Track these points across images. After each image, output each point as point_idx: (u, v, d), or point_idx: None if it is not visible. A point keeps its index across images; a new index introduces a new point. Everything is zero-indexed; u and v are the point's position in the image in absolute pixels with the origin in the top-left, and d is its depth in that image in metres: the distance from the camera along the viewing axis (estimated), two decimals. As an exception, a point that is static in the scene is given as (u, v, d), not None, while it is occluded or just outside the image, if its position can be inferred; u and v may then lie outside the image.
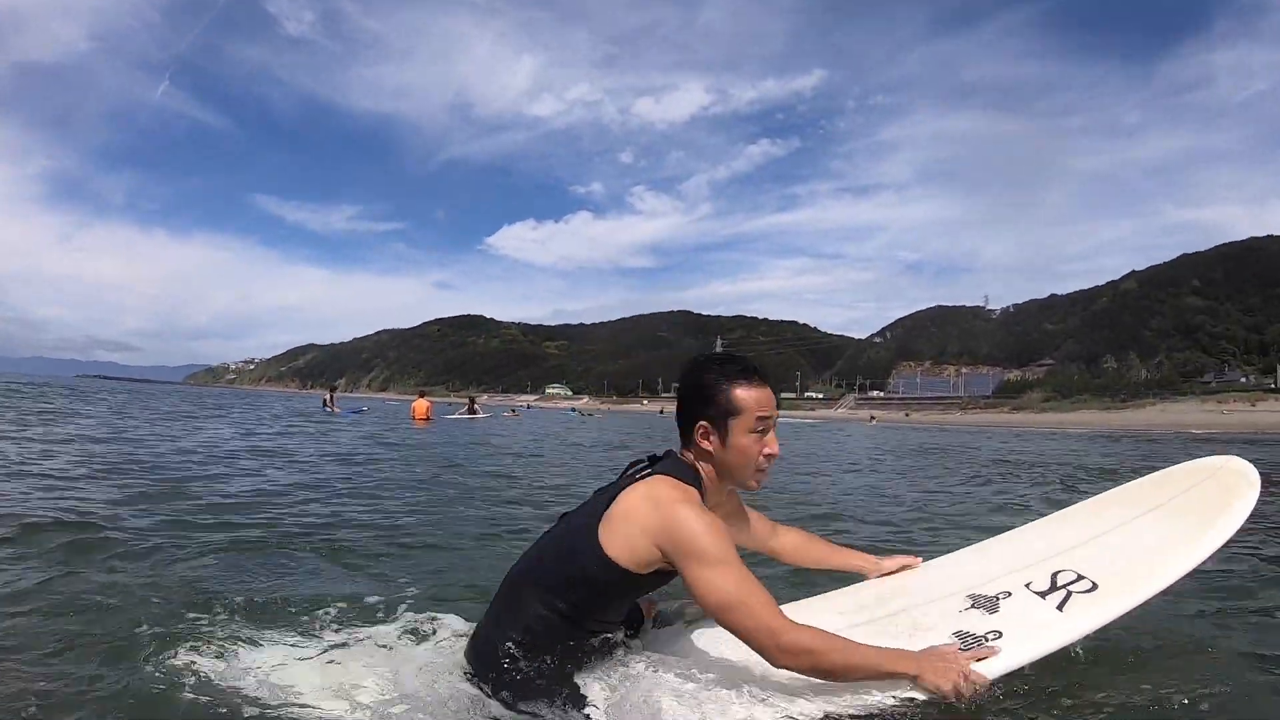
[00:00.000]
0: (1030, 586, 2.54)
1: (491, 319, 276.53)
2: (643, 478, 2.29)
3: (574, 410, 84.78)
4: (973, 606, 2.50)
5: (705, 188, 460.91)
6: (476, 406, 33.86)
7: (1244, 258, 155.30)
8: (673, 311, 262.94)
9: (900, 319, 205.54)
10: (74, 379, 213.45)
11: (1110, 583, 2.43)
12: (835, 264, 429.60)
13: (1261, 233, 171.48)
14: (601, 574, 2.17)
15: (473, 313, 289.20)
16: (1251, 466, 2.75)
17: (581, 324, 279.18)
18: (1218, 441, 27.98)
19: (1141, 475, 3.08)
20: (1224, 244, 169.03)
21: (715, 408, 2.33)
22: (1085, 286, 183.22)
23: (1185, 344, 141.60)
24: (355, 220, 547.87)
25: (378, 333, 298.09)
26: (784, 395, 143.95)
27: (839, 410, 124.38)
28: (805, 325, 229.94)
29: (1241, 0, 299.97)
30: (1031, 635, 2.27)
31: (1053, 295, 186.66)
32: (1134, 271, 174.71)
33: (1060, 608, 2.37)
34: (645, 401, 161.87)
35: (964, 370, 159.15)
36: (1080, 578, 2.50)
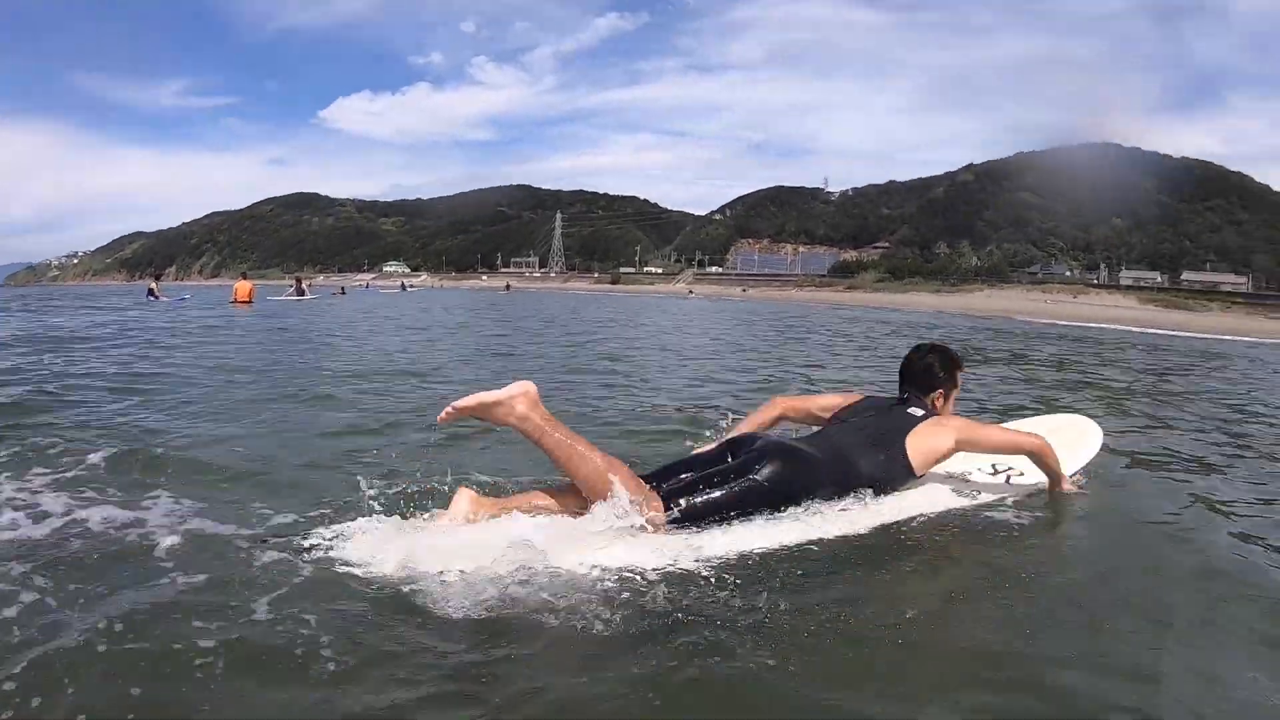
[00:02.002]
0: (982, 470, 3.99)
1: (327, 196, 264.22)
2: (920, 418, 3.60)
3: (403, 287, 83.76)
4: (977, 470, 3.97)
5: (550, 60, 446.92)
6: (304, 287, 33.20)
7: (1077, 161, 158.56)
8: (512, 185, 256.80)
9: (741, 197, 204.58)
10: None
11: (1027, 472, 3.88)
12: (679, 141, 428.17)
13: (1096, 140, 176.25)
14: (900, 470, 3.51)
15: (308, 190, 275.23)
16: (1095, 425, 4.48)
17: (419, 199, 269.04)
18: (1041, 330, 30.01)
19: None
20: (1060, 146, 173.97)
21: (951, 384, 3.85)
22: (924, 175, 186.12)
23: (1016, 236, 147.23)
24: (183, 96, 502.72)
25: (208, 215, 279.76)
26: (624, 270, 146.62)
27: (677, 284, 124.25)
28: (646, 201, 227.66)
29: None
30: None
31: (891, 181, 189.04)
32: (971, 164, 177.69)
33: (1007, 480, 3.91)
34: (484, 277, 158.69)
35: (801, 249, 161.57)
36: (1011, 469, 4.00)
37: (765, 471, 3.13)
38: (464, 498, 2.97)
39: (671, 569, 2.67)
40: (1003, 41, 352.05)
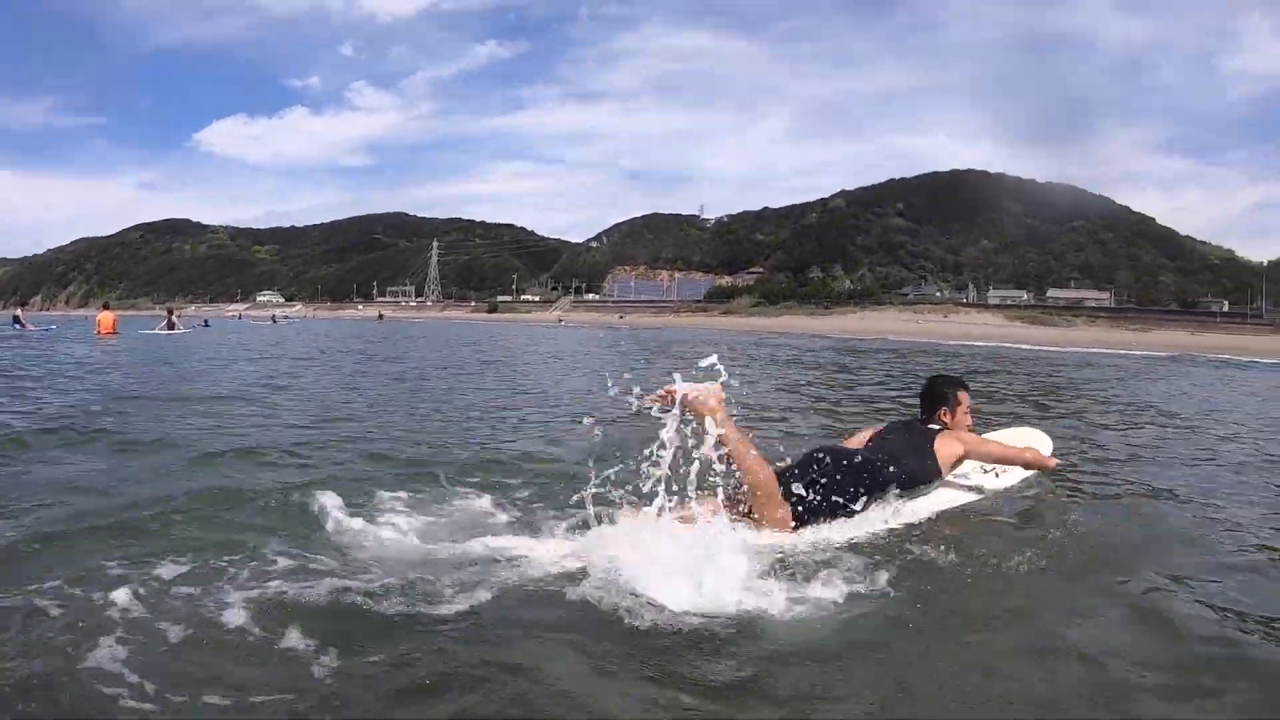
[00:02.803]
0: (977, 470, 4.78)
1: (199, 223, 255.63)
2: (938, 431, 4.52)
3: (274, 319, 79.98)
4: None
5: (428, 85, 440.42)
6: (175, 319, 31.76)
7: (948, 186, 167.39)
8: (389, 213, 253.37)
9: (618, 224, 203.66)
10: None
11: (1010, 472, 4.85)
12: (556, 168, 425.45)
13: (964, 166, 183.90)
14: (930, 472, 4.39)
15: (179, 216, 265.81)
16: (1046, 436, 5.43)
17: (294, 226, 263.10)
18: (921, 347, 32.35)
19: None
20: (930, 172, 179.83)
21: (955, 401, 4.71)
22: (798, 202, 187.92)
23: (887, 260, 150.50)
24: (51, 114, 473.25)
25: (74, 242, 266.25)
26: (500, 299, 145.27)
27: (554, 312, 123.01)
28: (523, 229, 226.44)
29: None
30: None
31: (766, 208, 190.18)
32: (844, 191, 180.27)
33: (997, 475, 4.81)
34: (360, 306, 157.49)
35: (678, 275, 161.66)
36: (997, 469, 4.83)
37: (891, 470, 4.14)
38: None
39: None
40: (878, 72, 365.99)
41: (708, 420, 3.37)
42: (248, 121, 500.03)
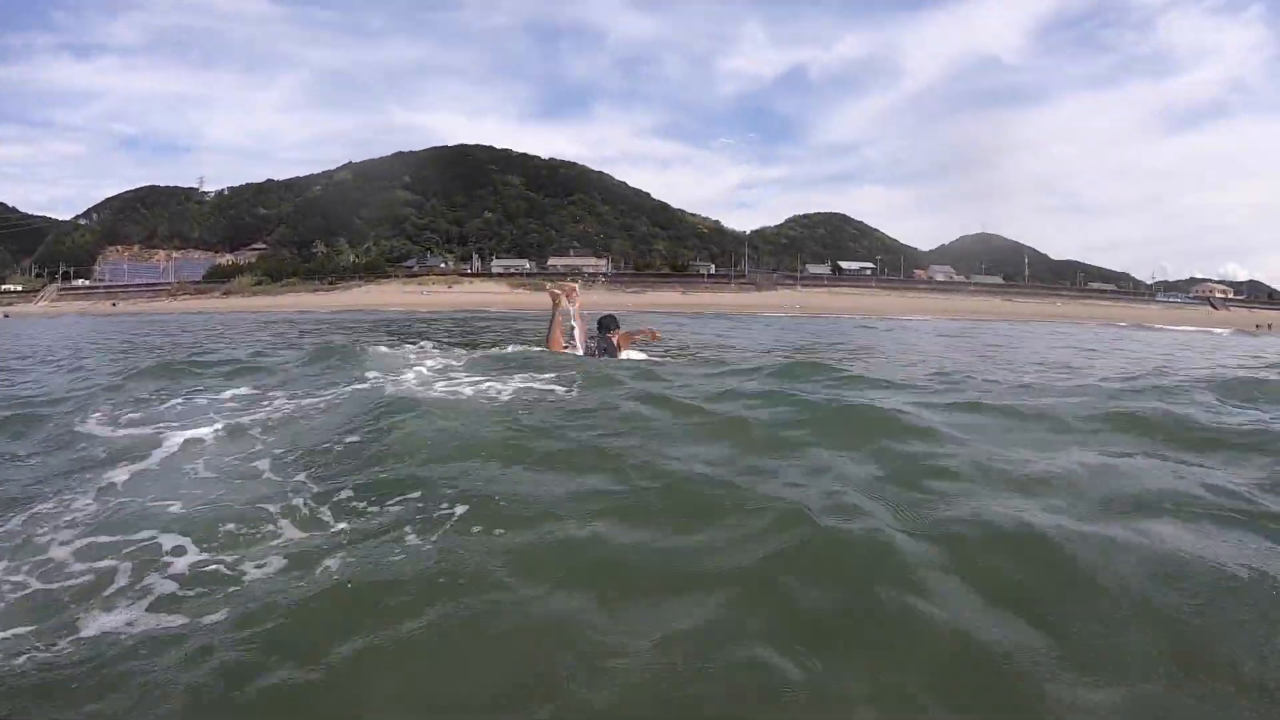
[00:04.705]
0: None
1: None
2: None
3: None
4: None
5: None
6: None
7: (454, 160, 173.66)
8: None
9: (110, 199, 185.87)
10: None
11: None
12: (43, 133, 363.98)
13: (472, 141, 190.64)
14: None
15: None
16: None
17: None
18: (415, 317, 35.76)
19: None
20: (437, 146, 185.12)
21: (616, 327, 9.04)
22: (303, 174, 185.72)
23: (393, 233, 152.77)
24: None
25: None
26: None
27: (39, 304, 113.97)
28: (2, 204, 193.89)
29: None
30: None
31: (269, 180, 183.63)
32: (350, 163, 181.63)
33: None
34: None
35: (175, 255, 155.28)
36: None
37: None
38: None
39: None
40: (390, 44, 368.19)
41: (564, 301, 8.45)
42: None
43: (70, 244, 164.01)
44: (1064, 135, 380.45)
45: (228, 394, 5.84)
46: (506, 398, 5.42)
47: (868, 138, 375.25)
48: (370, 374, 6.34)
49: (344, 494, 3.42)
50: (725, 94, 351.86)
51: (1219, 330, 45.98)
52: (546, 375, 6.11)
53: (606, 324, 8.89)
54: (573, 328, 8.43)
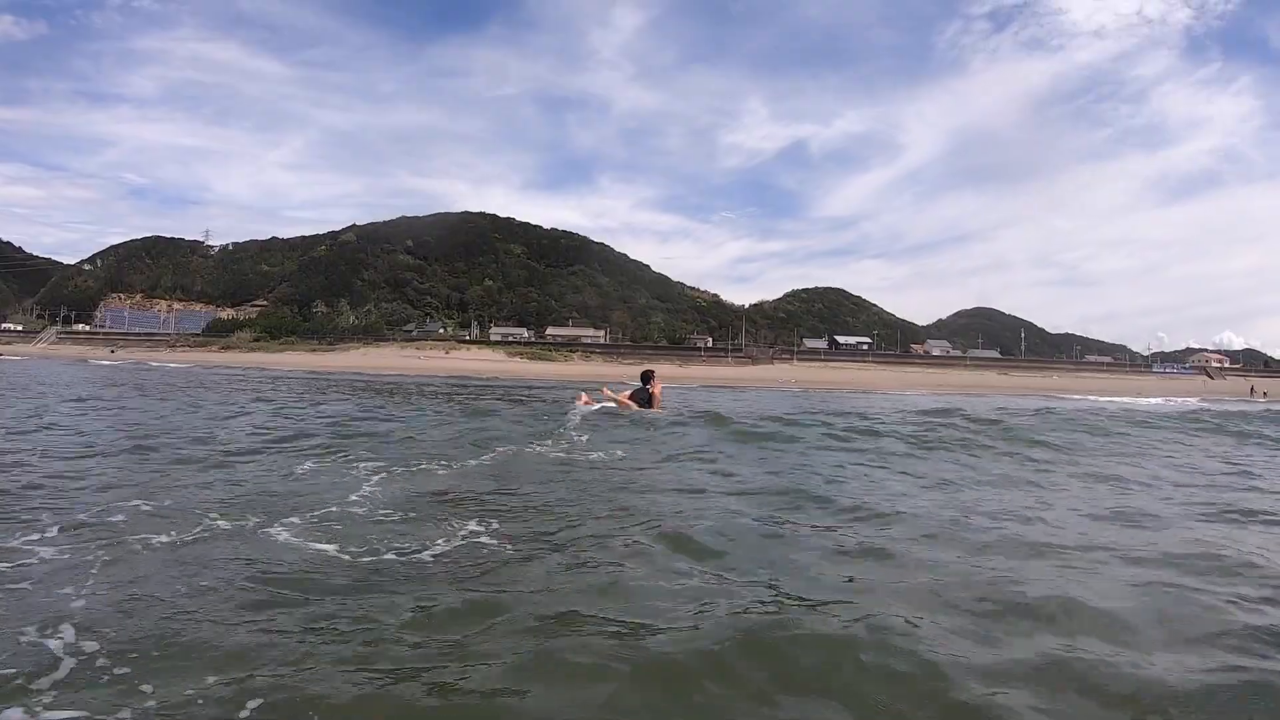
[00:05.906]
0: None
1: None
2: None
3: None
4: None
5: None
6: None
7: (458, 226, 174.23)
8: None
9: (114, 246, 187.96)
10: None
11: None
12: (55, 176, 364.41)
13: (475, 209, 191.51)
14: None
15: None
16: None
17: None
18: (413, 381, 34.46)
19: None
20: (441, 213, 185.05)
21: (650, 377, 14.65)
22: (308, 233, 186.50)
23: (393, 296, 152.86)
24: None
25: None
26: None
27: (38, 345, 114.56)
28: (10, 243, 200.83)
29: (516, 16, 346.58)
30: None
31: (274, 238, 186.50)
32: (355, 225, 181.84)
33: None
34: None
35: (176, 306, 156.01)
36: None
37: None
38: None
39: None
40: (400, 110, 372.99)
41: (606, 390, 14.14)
42: None
43: (73, 288, 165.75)
44: (1061, 208, 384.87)
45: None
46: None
47: (866, 212, 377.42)
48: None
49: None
50: (726, 167, 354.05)
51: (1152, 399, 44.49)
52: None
53: (646, 376, 13.86)
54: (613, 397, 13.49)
